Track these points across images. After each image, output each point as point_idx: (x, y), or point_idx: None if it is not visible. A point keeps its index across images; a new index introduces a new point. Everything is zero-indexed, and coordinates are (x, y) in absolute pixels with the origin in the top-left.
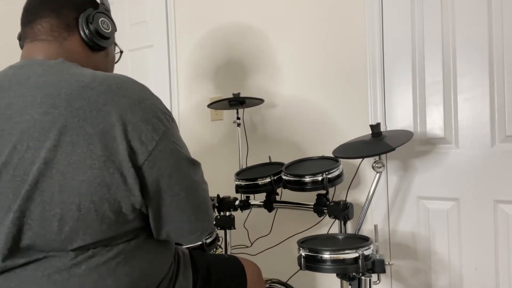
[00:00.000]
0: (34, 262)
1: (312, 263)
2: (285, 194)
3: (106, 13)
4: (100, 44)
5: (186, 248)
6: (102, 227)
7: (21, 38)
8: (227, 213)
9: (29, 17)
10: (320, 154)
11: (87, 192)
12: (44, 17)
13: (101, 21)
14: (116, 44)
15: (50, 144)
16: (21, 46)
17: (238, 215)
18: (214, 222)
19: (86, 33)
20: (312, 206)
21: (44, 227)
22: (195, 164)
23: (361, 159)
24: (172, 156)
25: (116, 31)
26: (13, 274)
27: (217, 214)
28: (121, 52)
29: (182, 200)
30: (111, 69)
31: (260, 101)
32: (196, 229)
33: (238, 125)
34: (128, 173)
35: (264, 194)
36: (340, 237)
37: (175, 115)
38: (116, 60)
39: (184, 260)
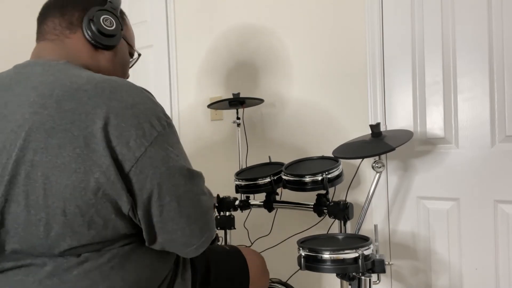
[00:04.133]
0: (25, 267)
1: (312, 263)
2: (285, 194)
3: (112, 10)
4: (103, 43)
5: None
6: (90, 233)
7: (36, 39)
8: (227, 213)
9: (40, 18)
10: (320, 154)
11: (72, 197)
12: (50, 16)
13: (104, 18)
14: (130, 45)
15: (36, 145)
16: None
17: (238, 215)
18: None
19: (88, 32)
20: (312, 206)
21: (30, 232)
22: (193, 174)
23: (361, 159)
24: (163, 163)
25: (122, 29)
26: (4, 278)
27: (217, 214)
28: (139, 55)
29: (174, 211)
30: (121, 72)
31: (260, 101)
32: (192, 243)
33: (238, 125)
34: (115, 179)
35: (264, 194)
36: (340, 237)
37: (175, 115)
38: (131, 64)
39: (183, 260)
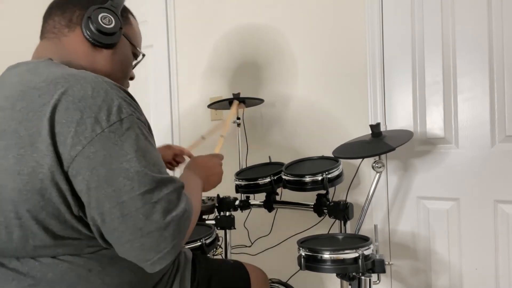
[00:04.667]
0: (0, 267)
1: (312, 263)
2: (285, 194)
3: (112, 8)
4: (102, 41)
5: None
6: (50, 235)
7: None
8: (227, 213)
9: (44, 16)
10: (320, 154)
11: (20, 200)
12: (52, 14)
13: (102, 16)
14: (133, 45)
15: None
16: None
17: (238, 215)
18: (214, 225)
19: (86, 30)
20: (312, 206)
21: None
22: (150, 179)
23: (361, 159)
24: (103, 164)
25: (122, 28)
26: None
27: (217, 214)
28: (143, 55)
29: (117, 221)
30: (121, 71)
31: (260, 101)
32: (145, 258)
33: (238, 125)
34: (59, 180)
35: (264, 194)
36: (340, 237)
37: (175, 115)
38: (134, 63)
39: (184, 267)
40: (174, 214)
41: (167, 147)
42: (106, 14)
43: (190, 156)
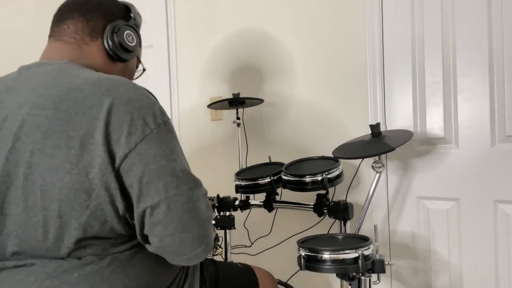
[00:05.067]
0: (26, 267)
1: (312, 263)
2: (285, 194)
3: (135, 27)
4: (120, 56)
5: None
6: (87, 235)
7: (49, 36)
8: (227, 213)
9: (59, 16)
10: (320, 154)
11: (67, 199)
12: (72, 18)
13: (127, 34)
14: (139, 60)
15: (33, 147)
16: None
17: (238, 215)
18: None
19: (109, 42)
20: (312, 206)
21: (29, 234)
22: (190, 179)
23: (361, 159)
24: (154, 162)
25: (140, 46)
26: (5, 276)
27: (217, 214)
28: (144, 70)
29: (163, 214)
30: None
31: (260, 101)
32: (183, 252)
33: (238, 125)
34: (108, 179)
35: (264, 194)
36: (340, 237)
37: (175, 115)
38: (136, 76)
39: (193, 270)
40: (209, 214)
41: None
42: (130, 32)
43: None
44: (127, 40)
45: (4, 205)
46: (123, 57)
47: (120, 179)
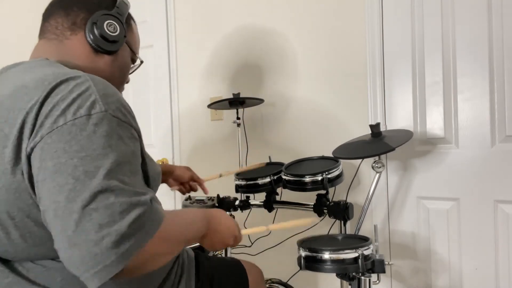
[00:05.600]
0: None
1: (312, 263)
2: (285, 194)
3: (118, 16)
4: (104, 48)
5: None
6: (47, 233)
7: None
8: (227, 213)
9: (44, 14)
10: (320, 154)
11: (10, 200)
12: (55, 14)
13: (108, 23)
14: (133, 51)
15: None
16: None
17: (238, 215)
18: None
19: (90, 34)
20: (312, 206)
21: None
22: (100, 185)
23: (361, 159)
24: (52, 157)
25: (126, 36)
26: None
27: None
28: (141, 62)
29: (52, 222)
30: (119, 76)
31: (260, 101)
32: (74, 271)
33: (238, 125)
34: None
35: (264, 194)
36: (340, 237)
37: (175, 115)
38: (131, 70)
39: (189, 267)
40: (114, 228)
41: (188, 168)
42: (112, 21)
43: (203, 188)
44: (108, 30)
45: None
46: (108, 48)
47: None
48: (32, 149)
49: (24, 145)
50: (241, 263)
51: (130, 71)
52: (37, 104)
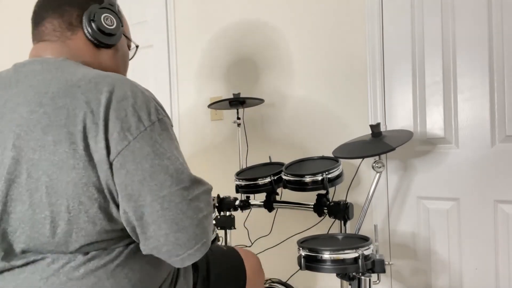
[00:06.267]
0: (32, 264)
1: (312, 263)
2: (285, 194)
3: (111, 8)
4: (105, 42)
5: None
6: (96, 229)
7: (32, 40)
8: (227, 213)
9: (36, 19)
10: (320, 154)
11: (74, 193)
12: (47, 17)
13: (104, 17)
14: (128, 38)
15: (34, 144)
16: None
17: (238, 215)
18: (214, 225)
19: (89, 31)
20: (312, 206)
21: (36, 231)
22: (186, 177)
23: (361, 159)
24: (147, 160)
25: (123, 25)
26: (11, 275)
27: (217, 214)
28: (137, 46)
29: (156, 214)
30: (123, 65)
31: (260, 101)
32: (176, 253)
33: (238, 125)
34: (108, 173)
35: (264, 194)
36: (340, 237)
37: (175, 115)
38: (131, 56)
39: None
40: (205, 213)
41: None
42: (107, 14)
43: None
44: (106, 24)
45: (8, 203)
46: (108, 42)
47: (112, 174)
48: (119, 152)
49: (95, 144)
50: (236, 251)
51: (130, 58)
52: (103, 107)
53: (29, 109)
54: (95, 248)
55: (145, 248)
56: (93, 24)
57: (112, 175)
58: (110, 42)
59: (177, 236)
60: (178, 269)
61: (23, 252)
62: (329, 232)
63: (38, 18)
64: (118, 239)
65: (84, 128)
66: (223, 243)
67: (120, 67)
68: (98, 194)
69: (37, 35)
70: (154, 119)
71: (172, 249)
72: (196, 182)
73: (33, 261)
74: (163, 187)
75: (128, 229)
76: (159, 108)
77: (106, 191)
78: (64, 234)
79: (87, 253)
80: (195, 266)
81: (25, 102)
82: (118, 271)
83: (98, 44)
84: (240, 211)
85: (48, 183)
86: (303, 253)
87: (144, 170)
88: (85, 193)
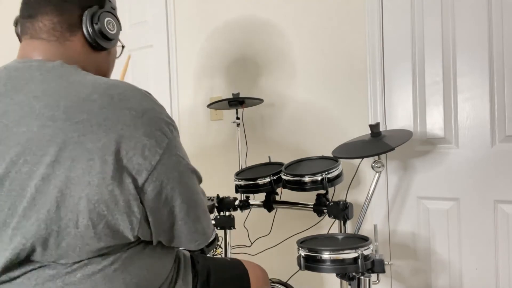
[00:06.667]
0: (28, 272)
1: (311, 263)
2: (285, 194)
3: (113, 12)
4: (104, 46)
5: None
6: (100, 244)
7: (20, 31)
8: (227, 213)
9: (29, 11)
10: (320, 154)
11: (85, 209)
12: (45, 13)
13: (107, 21)
14: (118, 40)
15: (48, 159)
16: (18, 36)
17: (238, 215)
18: (214, 225)
19: (90, 33)
20: (312, 206)
21: (40, 244)
22: (195, 173)
23: (360, 159)
24: (175, 168)
25: (121, 30)
26: (9, 284)
27: (216, 214)
28: (123, 46)
29: (184, 212)
30: (112, 67)
31: (260, 101)
32: (196, 239)
33: (238, 125)
34: (128, 190)
35: (264, 194)
36: (340, 237)
37: (175, 115)
38: (118, 55)
39: (185, 264)
40: (204, 199)
41: None
42: (110, 18)
43: None
44: (108, 29)
45: (15, 218)
46: (106, 46)
47: (143, 190)
48: (154, 167)
49: (135, 163)
50: (241, 263)
51: (117, 57)
52: (123, 125)
53: (40, 123)
54: (94, 256)
55: (165, 241)
56: (95, 27)
57: (138, 190)
58: (108, 47)
59: (197, 227)
60: (177, 272)
61: (22, 262)
62: (329, 232)
63: (32, 10)
64: (119, 247)
65: (104, 145)
66: (223, 243)
67: (110, 69)
68: (107, 211)
69: (31, 30)
70: (172, 129)
71: (193, 237)
72: (196, 173)
73: (31, 270)
74: (188, 188)
75: (153, 231)
76: (168, 114)
77: (117, 208)
78: (67, 247)
79: (82, 260)
80: (194, 270)
81: (33, 115)
82: (116, 276)
83: (96, 47)
84: (240, 211)
85: (59, 198)
86: (302, 253)
87: (175, 178)
88: (96, 209)
